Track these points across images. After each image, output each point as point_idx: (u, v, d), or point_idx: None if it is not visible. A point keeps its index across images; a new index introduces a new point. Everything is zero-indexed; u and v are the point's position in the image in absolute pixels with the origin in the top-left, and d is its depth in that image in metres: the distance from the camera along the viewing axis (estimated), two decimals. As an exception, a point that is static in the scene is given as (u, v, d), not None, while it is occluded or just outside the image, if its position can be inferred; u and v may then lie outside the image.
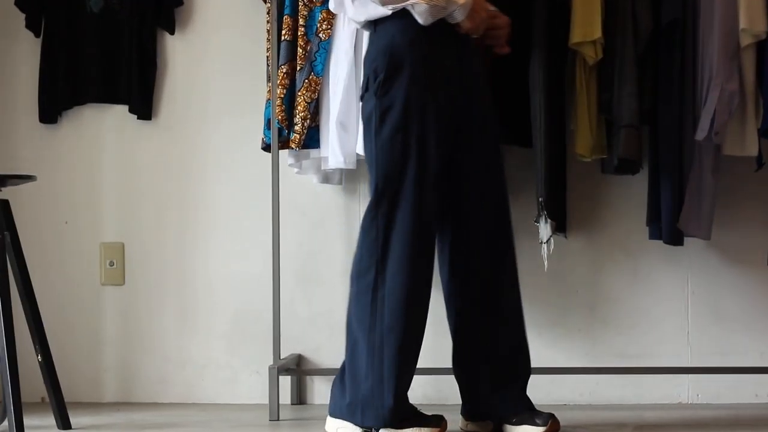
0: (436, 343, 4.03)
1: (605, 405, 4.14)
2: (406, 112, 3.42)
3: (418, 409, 3.52)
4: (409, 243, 3.40)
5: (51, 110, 4.37)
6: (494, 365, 3.55)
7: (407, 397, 3.48)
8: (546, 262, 3.94)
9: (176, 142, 4.37)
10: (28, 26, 4.35)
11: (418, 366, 4.01)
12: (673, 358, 4.14)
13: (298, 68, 3.98)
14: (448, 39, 3.48)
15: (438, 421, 3.47)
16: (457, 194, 3.52)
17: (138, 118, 4.36)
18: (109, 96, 4.37)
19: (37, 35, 4.36)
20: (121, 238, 4.38)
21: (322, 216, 4.27)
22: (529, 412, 3.49)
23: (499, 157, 3.59)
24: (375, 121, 3.43)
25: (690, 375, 4.12)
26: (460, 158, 3.51)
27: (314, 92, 3.96)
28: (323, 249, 4.27)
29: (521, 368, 3.58)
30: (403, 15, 3.43)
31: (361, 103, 3.52)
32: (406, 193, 3.40)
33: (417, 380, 4.14)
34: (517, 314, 3.58)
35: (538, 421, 3.46)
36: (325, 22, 3.96)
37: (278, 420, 3.91)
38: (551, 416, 3.47)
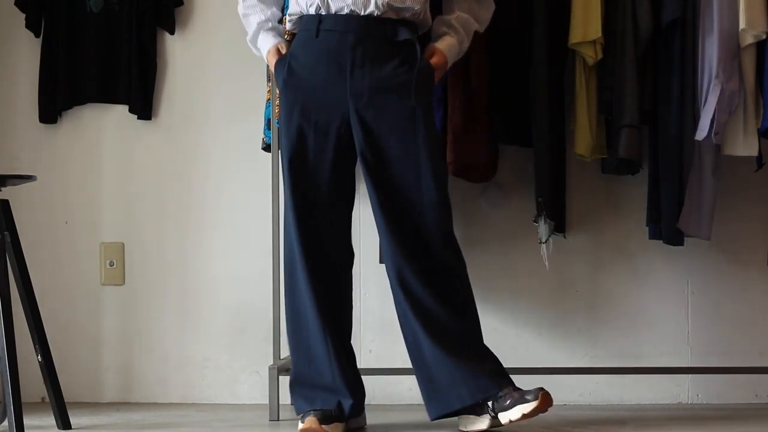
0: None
1: (605, 405, 4.14)
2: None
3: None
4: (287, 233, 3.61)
5: (51, 110, 4.37)
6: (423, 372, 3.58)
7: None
8: (546, 263, 3.94)
9: (176, 142, 4.37)
10: (28, 26, 4.35)
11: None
12: (673, 358, 4.14)
13: (299, 68, 3.97)
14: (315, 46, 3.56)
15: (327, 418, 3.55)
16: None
17: (138, 118, 4.36)
18: (108, 96, 4.37)
19: (37, 35, 4.36)
20: (121, 238, 4.38)
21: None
22: (518, 393, 3.48)
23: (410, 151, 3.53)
24: None
25: (690, 375, 4.13)
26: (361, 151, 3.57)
27: (315, 92, 3.95)
28: (323, 249, 4.27)
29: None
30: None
31: None
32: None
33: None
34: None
35: (528, 398, 3.44)
36: (325, 22, 3.95)
37: (278, 420, 3.91)
38: (540, 389, 3.45)
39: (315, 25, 3.55)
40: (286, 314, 3.66)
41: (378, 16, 3.51)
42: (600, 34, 3.82)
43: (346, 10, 3.52)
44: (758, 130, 3.81)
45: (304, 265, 3.56)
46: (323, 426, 3.50)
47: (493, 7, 3.68)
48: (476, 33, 3.71)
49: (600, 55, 3.85)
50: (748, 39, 3.76)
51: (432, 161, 3.52)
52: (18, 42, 4.39)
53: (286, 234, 3.63)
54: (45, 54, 4.34)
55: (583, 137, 3.90)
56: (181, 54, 4.37)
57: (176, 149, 4.36)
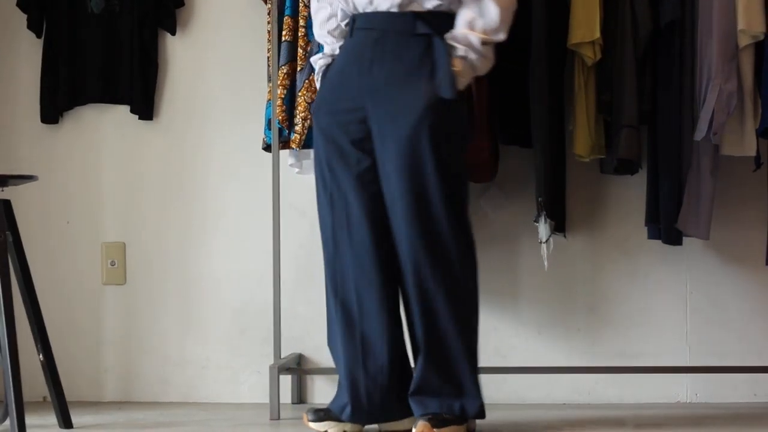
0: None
1: (604, 404, 4.14)
2: None
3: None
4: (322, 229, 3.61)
5: (52, 110, 4.37)
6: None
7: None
8: (546, 262, 3.95)
9: (177, 143, 4.38)
10: (30, 27, 4.36)
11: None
12: (672, 357, 4.14)
13: (299, 68, 3.99)
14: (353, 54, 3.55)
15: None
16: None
17: (139, 119, 4.36)
18: (110, 96, 4.38)
19: (38, 36, 4.37)
20: (123, 238, 4.39)
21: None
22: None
23: (410, 163, 3.46)
24: None
25: (689, 374, 4.13)
26: (379, 161, 3.54)
27: (315, 92, 3.96)
28: (323, 249, 4.28)
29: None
30: None
31: None
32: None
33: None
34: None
35: None
36: (325, 23, 3.96)
37: (279, 419, 3.92)
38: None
39: (351, 25, 3.57)
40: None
41: (400, 11, 3.48)
42: (599, 35, 3.83)
43: (370, 8, 3.51)
44: (756, 130, 3.81)
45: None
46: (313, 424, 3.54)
47: (494, 12, 3.49)
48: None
49: (599, 56, 3.86)
50: (746, 40, 3.77)
51: (437, 168, 3.45)
52: (19, 43, 4.40)
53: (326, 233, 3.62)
54: (46, 55, 4.35)
55: (583, 137, 3.91)
56: (182, 54, 4.38)
57: (177, 149, 4.37)
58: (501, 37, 3.50)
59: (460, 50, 3.46)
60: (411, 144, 3.44)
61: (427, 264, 3.47)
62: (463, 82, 3.47)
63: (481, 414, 3.53)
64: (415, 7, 3.49)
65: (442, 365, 3.51)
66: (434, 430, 3.43)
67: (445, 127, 3.47)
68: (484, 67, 3.52)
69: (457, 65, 3.45)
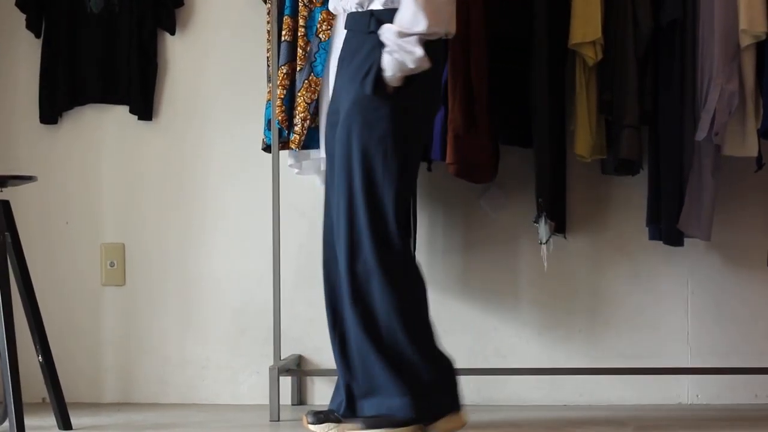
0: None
1: (605, 405, 4.14)
2: None
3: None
4: None
5: (51, 111, 4.37)
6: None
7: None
8: (546, 263, 3.94)
9: (177, 143, 4.37)
10: (29, 27, 4.35)
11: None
12: (673, 358, 4.13)
13: (298, 69, 3.98)
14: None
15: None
16: None
17: (138, 119, 4.36)
18: (109, 96, 4.37)
19: (37, 36, 4.36)
20: (122, 239, 4.38)
21: (322, 216, 4.27)
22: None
23: (342, 162, 3.46)
24: None
25: (690, 375, 4.12)
26: None
27: (314, 93, 3.96)
28: (323, 249, 4.27)
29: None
30: None
31: None
32: None
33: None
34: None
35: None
36: (324, 23, 3.96)
37: (278, 421, 3.91)
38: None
39: None
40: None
41: (361, 10, 3.47)
42: (600, 35, 3.82)
43: (347, 7, 3.52)
44: (758, 130, 3.81)
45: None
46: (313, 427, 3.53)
47: (408, 2, 3.35)
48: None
49: (600, 56, 3.85)
50: (748, 39, 3.76)
51: (349, 171, 3.42)
52: (18, 43, 4.39)
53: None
54: (45, 55, 4.34)
55: (583, 137, 3.90)
56: (182, 54, 4.37)
57: (177, 150, 4.37)
58: (420, 28, 3.35)
59: (386, 46, 3.38)
60: (343, 141, 3.44)
61: (344, 257, 3.45)
62: (392, 79, 3.38)
63: (411, 413, 3.39)
64: (373, 6, 3.47)
65: (357, 366, 3.47)
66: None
67: (369, 126, 3.41)
68: (411, 61, 3.36)
69: (383, 61, 3.38)
